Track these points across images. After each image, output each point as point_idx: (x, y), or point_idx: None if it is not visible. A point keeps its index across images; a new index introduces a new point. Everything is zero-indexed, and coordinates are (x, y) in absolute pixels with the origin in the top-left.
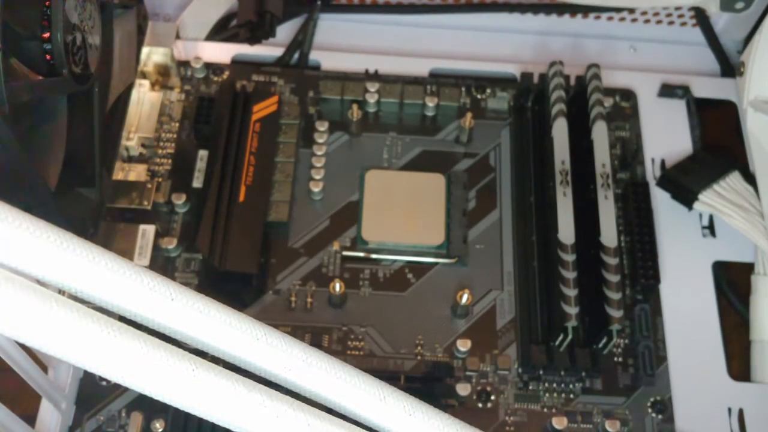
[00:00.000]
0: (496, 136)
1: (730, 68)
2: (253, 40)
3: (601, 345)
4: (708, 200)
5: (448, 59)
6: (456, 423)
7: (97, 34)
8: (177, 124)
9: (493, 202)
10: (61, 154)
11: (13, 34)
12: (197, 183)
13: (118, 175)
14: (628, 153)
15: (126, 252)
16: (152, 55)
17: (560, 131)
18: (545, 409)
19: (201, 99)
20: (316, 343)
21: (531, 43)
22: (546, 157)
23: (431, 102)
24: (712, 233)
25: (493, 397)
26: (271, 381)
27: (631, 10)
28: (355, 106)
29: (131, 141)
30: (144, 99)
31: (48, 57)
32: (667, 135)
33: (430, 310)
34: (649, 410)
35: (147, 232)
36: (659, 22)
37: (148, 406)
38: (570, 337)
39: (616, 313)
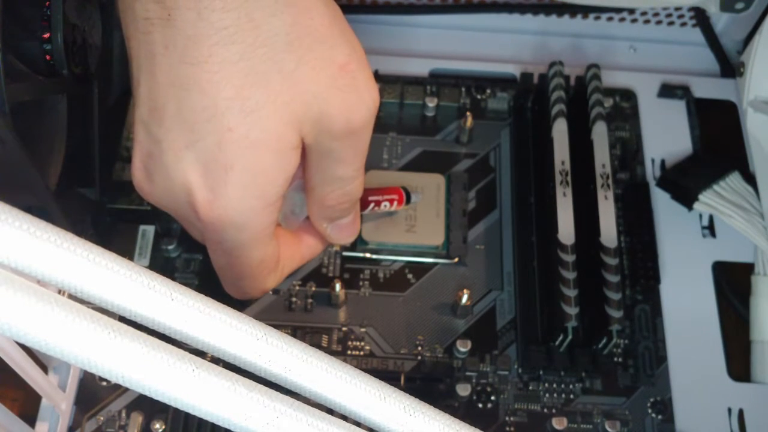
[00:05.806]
0: (496, 137)
1: (730, 68)
2: None
3: (601, 345)
4: (708, 200)
5: (448, 59)
6: (456, 423)
7: (97, 34)
8: None
9: (493, 203)
10: (61, 154)
11: (13, 34)
12: None
13: (118, 175)
14: (628, 153)
15: (126, 252)
16: None
17: (560, 131)
18: (545, 410)
19: None
20: (316, 343)
21: (531, 44)
22: (546, 158)
23: (431, 102)
24: (712, 233)
25: (493, 398)
26: (271, 381)
27: (631, 11)
28: None
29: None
30: None
31: (48, 57)
32: (666, 135)
33: (430, 311)
34: (649, 410)
35: (147, 232)
36: (659, 22)
37: (148, 407)
38: (570, 337)
39: (616, 314)
